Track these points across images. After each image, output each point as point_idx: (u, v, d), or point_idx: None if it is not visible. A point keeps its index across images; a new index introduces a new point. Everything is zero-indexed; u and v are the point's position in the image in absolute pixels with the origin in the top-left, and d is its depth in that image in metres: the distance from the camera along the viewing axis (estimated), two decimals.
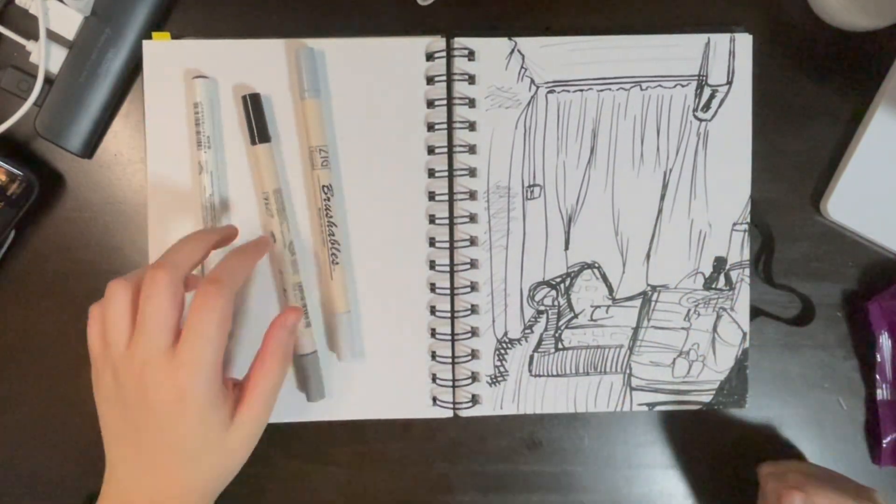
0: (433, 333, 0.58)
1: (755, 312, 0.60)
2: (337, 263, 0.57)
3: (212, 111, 0.57)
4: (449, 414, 0.59)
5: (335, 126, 0.58)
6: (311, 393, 0.57)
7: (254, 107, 0.56)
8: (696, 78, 0.58)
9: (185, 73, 0.57)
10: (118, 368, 0.47)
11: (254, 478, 0.57)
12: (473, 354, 0.59)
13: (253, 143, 0.56)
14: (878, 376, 0.60)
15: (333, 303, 0.57)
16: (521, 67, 0.58)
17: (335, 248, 0.57)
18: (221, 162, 0.57)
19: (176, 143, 0.57)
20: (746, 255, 0.59)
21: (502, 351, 0.59)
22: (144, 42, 0.57)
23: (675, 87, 0.58)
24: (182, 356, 0.45)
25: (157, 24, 0.57)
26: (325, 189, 0.56)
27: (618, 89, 0.58)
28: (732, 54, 0.58)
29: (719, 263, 0.59)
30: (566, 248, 0.59)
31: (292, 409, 0.58)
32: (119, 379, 0.47)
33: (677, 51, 0.58)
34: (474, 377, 0.59)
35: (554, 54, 0.58)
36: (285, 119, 0.58)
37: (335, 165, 0.58)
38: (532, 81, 0.58)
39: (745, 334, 0.59)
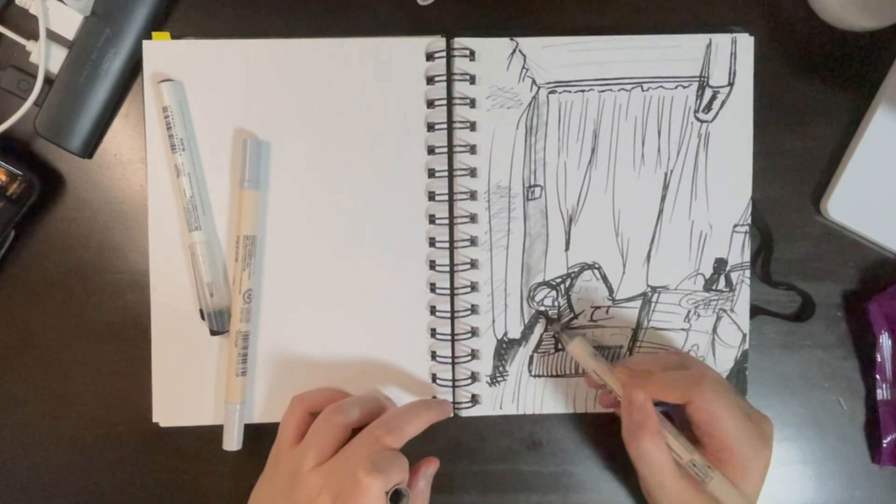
0: (433, 333, 0.58)
1: (755, 311, 0.60)
2: (244, 374, 0.58)
3: (181, 112, 0.57)
4: (449, 414, 0.59)
5: (335, 126, 0.58)
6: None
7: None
8: (698, 79, 0.58)
9: (185, 73, 0.57)
10: (299, 480, 0.51)
11: (255, 477, 0.57)
12: (473, 354, 0.59)
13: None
14: (878, 376, 0.60)
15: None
16: (523, 68, 0.58)
17: (243, 355, 0.57)
18: (198, 162, 0.58)
19: None
20: (747, 256, 0.59)
21: (502, 351, 0.59)
22: (144, 42, 0.57)
23: (676, 88, 0.58)
24: None
25: (157, 24, 0.57)
26: (247, 295, 0.57)
27: (619, 90, 0.58)
28: (734, 56, 0.58)
29: (719, 265, 0.59)
30: (567, 248, 0.59)
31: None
32: (292, 488, 0.51)
33: (679, 52, 0.58)
34: (474, 377, 0.59)
35: (555, 55, 0.58)
36: (284, 119, 0.58)
37: (335, 164, 0.58)
38: (533, 82, 0.58)
39: (744, 336, 0.59)
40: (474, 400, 0.59)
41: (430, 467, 0.55)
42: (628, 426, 0.52)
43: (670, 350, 0.59)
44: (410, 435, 0.53)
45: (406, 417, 0.53)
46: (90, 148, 0.58)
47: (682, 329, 0.59)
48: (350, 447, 0.51)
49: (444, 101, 0.57)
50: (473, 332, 0.59)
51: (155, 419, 0.58)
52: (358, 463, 0.49)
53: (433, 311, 0.58)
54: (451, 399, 0.58)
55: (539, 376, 0.59)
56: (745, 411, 0.51)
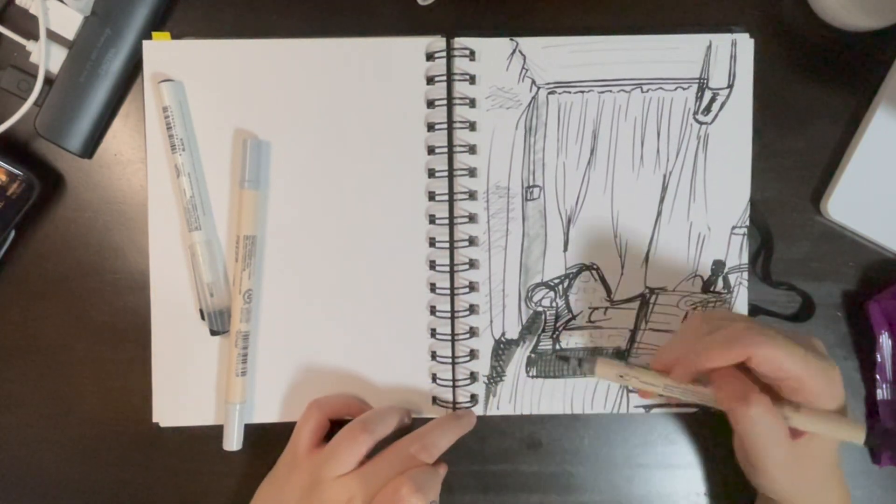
0: (433, 333, 0.59)
1: (754, 311, 0.60)
2: (244, 374, 0.58)
3: (182, 112, 0.57)
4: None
5: (335, 126, 0.58)
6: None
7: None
8: (697, 81, 0.58)
9: (185, 73, 0.57)
10: (323, 488, 0.52)
11: (255, 477, 0.57)
12: (472, 354, 0.59)
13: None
14: (878, 376, 0.60)
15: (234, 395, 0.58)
16: (523, 68, 0.58)
17: (244, 355, 0.58)
18: (198, 162, 0.58)
19: None
20: (745, 258, 0.59)
21: (500, 351, 0.59)
22: (144, 42, 0.57)
23: (675, 89, 0.58)
24: None
25: (157, 24, 0.57)
26: (247, 295, 0.57)
27: (618, 91, 0.58)
28: (734, 58, 0.58)
29: (718, 267, 0.59)
30: (565, 249, 0.59)
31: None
32: (313, 495, 0.52)
33: (679, 53, 0.58)
34: (473, 377, 0.59)
35: (555, 55, 0.58)
36: (284, 119, 0.58)
37: (335, 164, 0.58)
38: (533, 82, 0.58)
39: None
40: (473, 400, 0.59)
41: (442, 472, 0.57)
42: (729, 396, 0.49)
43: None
44: (442, 451, 0.55)
45: (438, 434, 0.55)
46: (90, 148, 0.58)
47: None
48: (382, 460, 0.53)
49: (444, 101, 0.57)
50: (472, 332, 0.59)
51: (155, 419, 0.58)
52: (399, 480, 0.51)
53: (433, 311, 0.58)
54: (450, 399, 0.59)
55: (536, 377, 0.59)
56: (795, 341, 0.49)
